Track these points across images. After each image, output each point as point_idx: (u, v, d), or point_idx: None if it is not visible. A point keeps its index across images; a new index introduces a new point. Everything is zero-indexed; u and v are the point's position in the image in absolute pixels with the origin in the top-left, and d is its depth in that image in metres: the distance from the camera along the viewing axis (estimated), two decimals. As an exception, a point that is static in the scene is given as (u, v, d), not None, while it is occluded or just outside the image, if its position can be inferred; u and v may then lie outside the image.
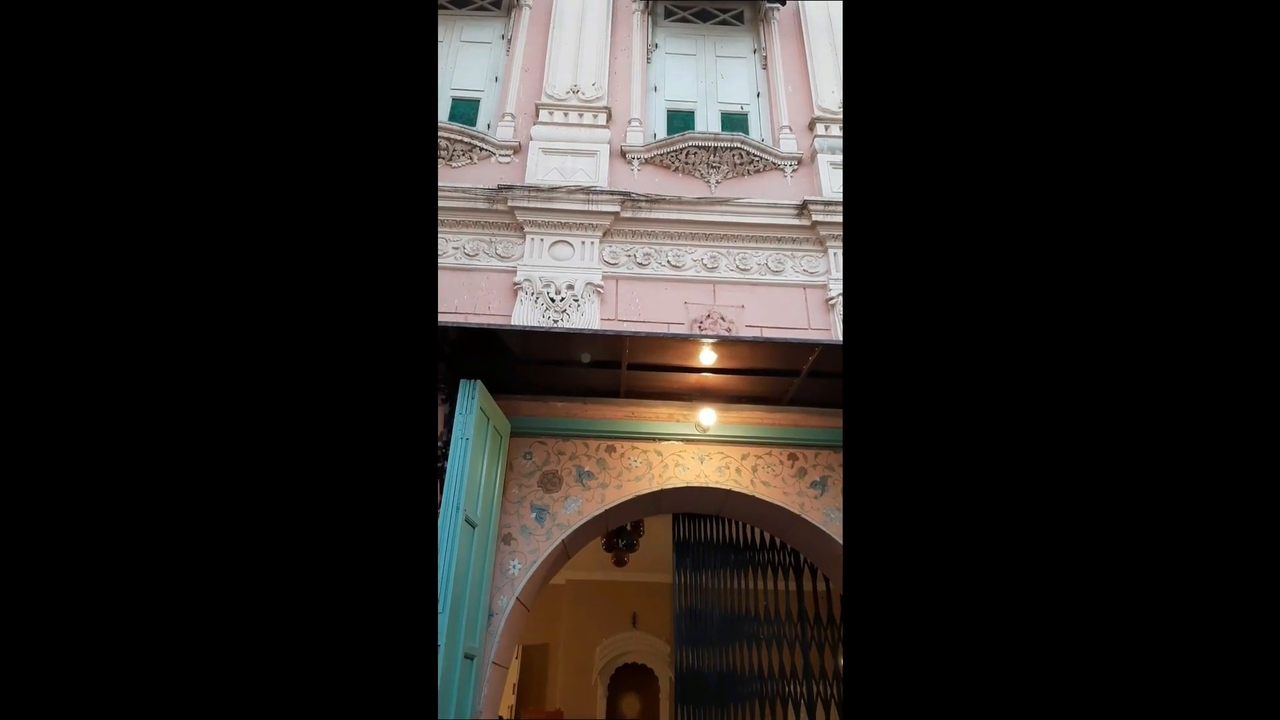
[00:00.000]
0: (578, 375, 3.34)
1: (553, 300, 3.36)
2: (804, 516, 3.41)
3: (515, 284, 3.44)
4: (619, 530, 5.95)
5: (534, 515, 3.35)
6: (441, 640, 2.50)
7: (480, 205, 3.56)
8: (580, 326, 3.20)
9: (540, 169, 3.73)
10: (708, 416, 3.45)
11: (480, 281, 3.50)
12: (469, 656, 2.78)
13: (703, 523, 3.92)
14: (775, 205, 3.63)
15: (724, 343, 3.04)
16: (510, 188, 3.55)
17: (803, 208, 3.59)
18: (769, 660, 3.60)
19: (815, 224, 3.58)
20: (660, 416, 3.55)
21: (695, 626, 3.66)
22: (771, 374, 3.27)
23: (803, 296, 3.53)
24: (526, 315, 3.32)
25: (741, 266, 3.57)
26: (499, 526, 3.24)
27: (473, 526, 2.85)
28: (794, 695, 3.55)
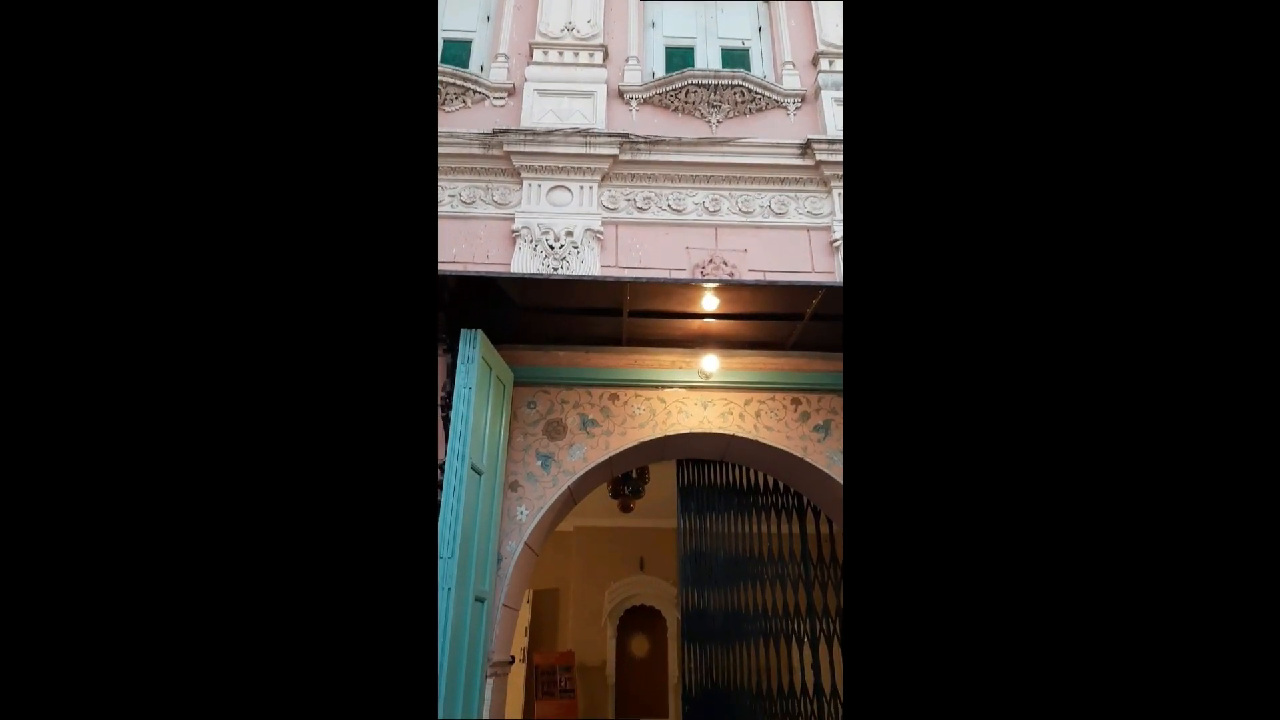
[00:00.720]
0: (579, 324, 3.32)
1: (552, 248, 3.31)
2: (807, 460, 3.43)
3: (513, 231, 3.39)
4: (624, 477, 6.02)
5: (539, 463, 3.38)
6: (452, 584, 2.55)
7: (475, 150, 3.48)
8: (580, 273, 3.16)
9: (536, 111, 3.63)
10: (710, 363, 3.44)
11: (478, 230, 3.45)
12: (479, 599, 2.85)
13: (706, 468, 3.95)
14: (778, 145, 3.53)
15: (726, 287, 3.00)
16: (505, 131, 3.46)
17: (806, 147, 3.49)
18: (772, 599, 3.68)
19: (819, 164, 3.49)
20: (663, 364, 3.54)
21: (700, 568, 3.74)
22: (775, 318, 3.24)
23: (806, 239, 3.48)
24: (526, 263, 3.29)
25: (744, 209, 3.50)
26: (505, 474, 3.28)
27: (479, 474, 2.87)
28: (797, 632, 3.64)
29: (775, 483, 3.94)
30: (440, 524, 2.57)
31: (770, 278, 3.23)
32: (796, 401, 3.53)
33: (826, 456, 3.44)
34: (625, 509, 6.52)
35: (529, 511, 3.29)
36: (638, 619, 8.70)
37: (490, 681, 2.97)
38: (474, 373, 2.81)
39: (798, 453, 3.44)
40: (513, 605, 3.29)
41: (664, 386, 3.51)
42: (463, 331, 2.90)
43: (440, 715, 2.32)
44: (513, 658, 3.41)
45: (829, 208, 3.53)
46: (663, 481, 6.40)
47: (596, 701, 8.26)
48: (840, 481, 3.40)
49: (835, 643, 3.62)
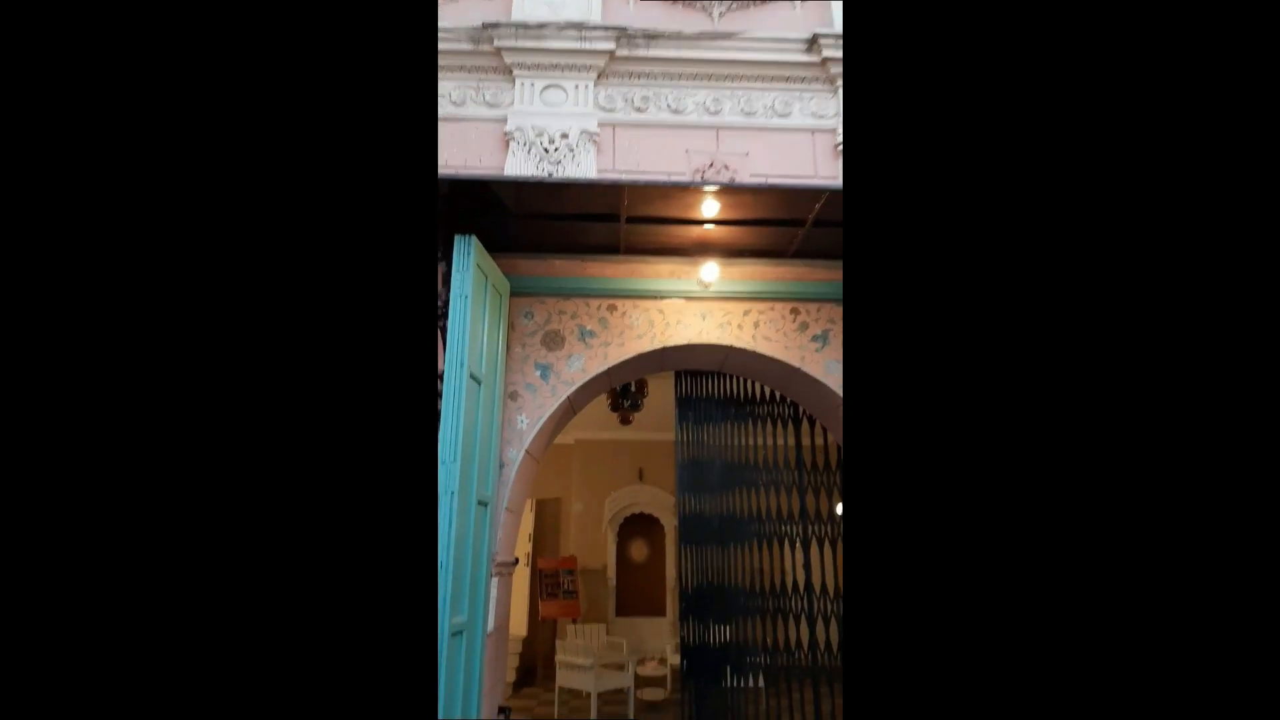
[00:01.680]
0: (575, 231, 3.24)
1: (546, 151, 3.19)
2: (804, 370, 3.45)
3: (506, 134, 3.26)
4: (624, 390, 6.08)
5: (538, 373, 3.39)
6: (455, 488, 2.61)
7: (464, 47, 3.29)
8: (576, 177, 3.05)
9: (527, 4, 3.41)
10: (710, 272, 3.39)
11: (469, 132, 3.31)
12: (482, 503, 2.92)
13: (704, 379, 3.98)
14: (783, 40, 3.34)
15: (727, 191, 2.91)
16: (496, 25, 3.26)
17: (812, 42, 3.30)
18: (767, 504, 3.80)
19: (825, 60, 3.31)
20: (661, 273, 3.49)
21: (697, 476, 3.83)
22: (776, 224, 3.17)
23: (810, 142, 3.34)
24: (519, 167, 3.17)
25: (746, 110, 3.35)
26: (505, 384, 3.29)
27: (478, 383, 2.88)
28: (789, 535, 3.78)
29: (772, 393, 3.97)
30: (441, 430, 2.60)
31: (772, 182, 3.13)
32: (795, 311, 3.50)
33: (823, 366, 3.45)
34: (625, 422, 6.62)
35: (529, 420, 3.33)
36: (637, 526, 9.03)
37: (495, 580, 3.10)
38: (469, 280, 2.76)
39: (795, 363, 3.45)
40: (515, 510, 3.39)
41: (662, 297, 3.47)
42: (456, 237, 2.83)
43: (447, 612, 2.42)
44: (516, 559, 3.54)
45: (834, 108, 3.38)
46: (661, 395, 6.47)
47: (598, 602, 8.69)
48: (835, 390, 3.42)
49: (826, 544, 3.76)
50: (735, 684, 3.53)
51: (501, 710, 3.23)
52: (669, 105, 3.33)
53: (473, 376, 2.81)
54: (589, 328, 3.45)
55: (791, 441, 3.92)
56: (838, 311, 3.49)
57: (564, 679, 6.45)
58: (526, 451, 3.31)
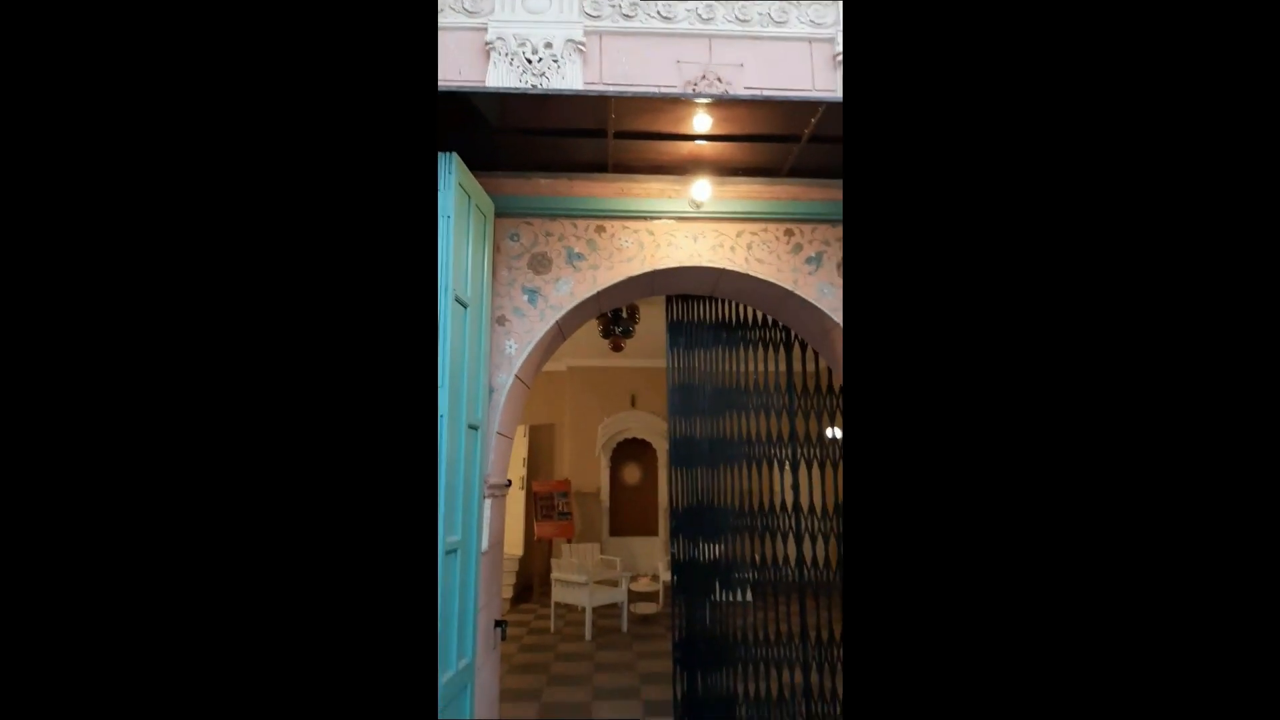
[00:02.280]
0: (561, 147, 3.11)
1: (529, 61, 3.01)
2: (797, 293, 3.40)
3: (487, 44, 3.07)
4: (614, 317, 6.04)
5: (526, 297, 3.33)
6: (445, 411, 2.60)
7: (438, -56, 3.05)
8: (561, 89, 2.90)
9: (505, -105, 3.14)
10: (701, 190, 3.28)
11: (448, 42, 3.12)
12: (473, 427, 2.93)
13: (695, 304, 3.93)
14: (782, -63, 3.11)
15: (720, 104, 2.78)
16: (471, -80, 3.01)
17: (814, -61, 3.08)
18: (757, 428, 3.83)
19: (827, -40, 3.10)
20: (651, 193, 3.38)
21: (688, 400, 3.84)
22: (770, 140, 3.04)
23: (808, 52, 3.17)
24: (501, 79, 3.00)
25: (741, 17, 3.15)
26: (492, 308, 3.24)
27: (464, 307, 2.83)
28: (779, 457, 3.83)
29: (763, 318, 3.94)
30: (428, 354, 2.57)
31: (767, 94, 2.98)
32: (790, 233, 3.42)
33: (816, 289, 3.40)
34: (616, 349, 6.60)
35: (518, 345, 3.29)
36: (630, 450, 9.19)
37: (488, 502, 3.14)
38: (451, 199, 2.66)
39: (788, 285, 3.39)
40: (507, 434, 3.40)
41: (652, 217, 3.38)
42: (438, 155, 2.70)
43: (441, 531, 2.45)
44: (509, 482, 3.59)
45: (833, 15, 3.19)
46: (652, 323, 6.44)
47: (592, 523, 8.94)
48: (828, 313, 3.39)
49: (815, 466, 3.82)
50: (725, 598, 3.66)
51: (498, 624, 3.35)
52: (659, 12, 3.13)
53: (459, 300, 2.75)
54: (577, 250, 3.36)
55: (783, 366, 3.91)
56: (832, 233, 3.42)
57: (559, 595, 6.71)
58: (516, 377, 3.29)
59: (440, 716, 2.36)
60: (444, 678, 2.42)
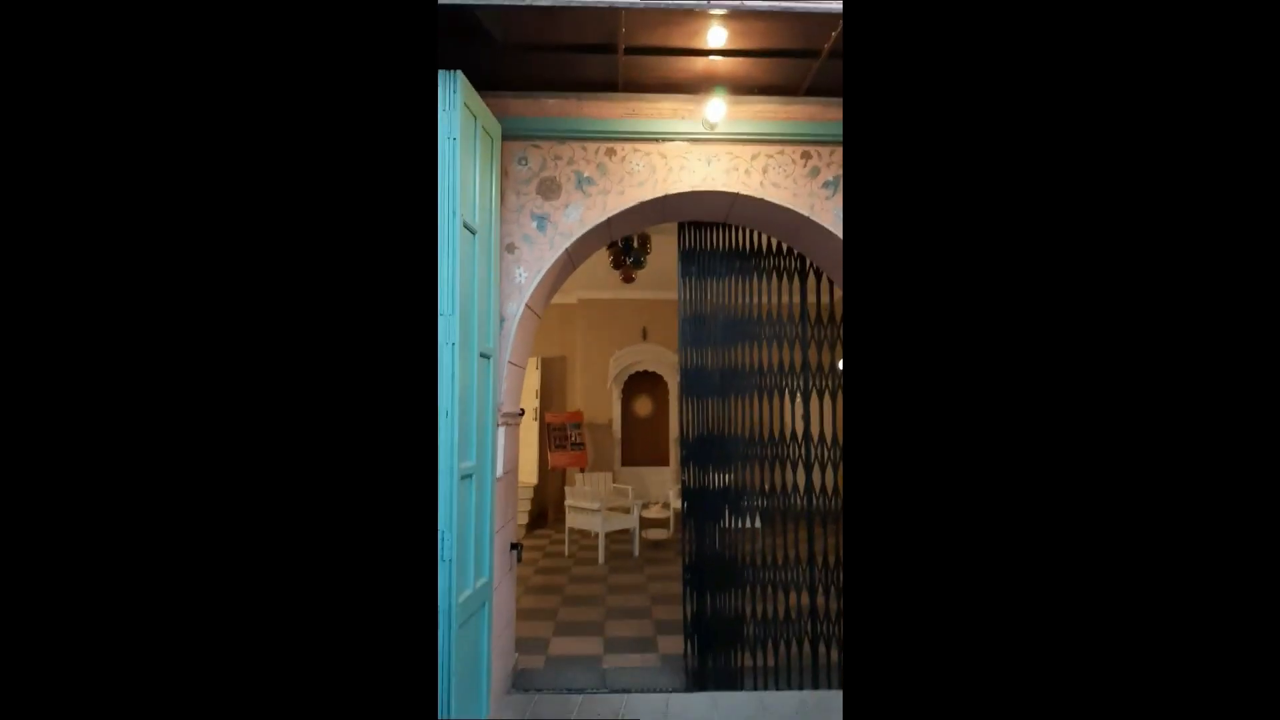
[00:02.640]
0: (570, 65, 2.98)
1: (534, -30, 2.85)
2: (813, 219, 3.31)
3: (489, -50, 2.89)
4: (626, 248, 5.95)
5: (535, 224, 3.26)
6: (455, 339, 2.59)
7: None
8: (568, 2, 2.75)
9: None
10: (715, 110, 3.15)
11: (447, -51, 2.94)
12: (484, 355, 2.93)
13: (708, 231, 3.84)
14: None
15: (736, 16, 2.63)
16: None
17: None
18: (769, 358, 3.81)
19: None
20: (663, 113, 3.25)
21: (699, 330, 3.80)
22: (788, 55, 2.89)
23: (831, -43, 2.97)
24: (505, -10, 2.85)
25: (760, -82, 2.94)
26: (500, 235, 3.18)
27: (472, 233, 2.78)
28: (790, 387, 3.82)
29: (778, 245, 3.85)
30: (438, 281, 2.54)
31: (785, 7, 2.81)
32: (806, 155, 3.30)
33: (833, 214, 3.30)
34: (628, 280, 6.54)
35: (527, 274, 3.26)
36: (641, 383, 9.25)
37: (502, 430, 3.18)
38: (457, 120, 2.57)
39: (804, 211, 3.30)
40: (518, 363, 3.41)
41: (664, 139, 3.26)
42: (440, 73, 2.59)
43: (455, 457, 2.49)
44: (522, 410, 3.62)
45: (862, -85, 2.96)
46: (665, 255, 6.34)
47: (604, 453, 9.10)
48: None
49: (826, 396, 3.82)
50: (734, 524, 3.73)
51: (513, 546, 3.45)
52: (672, -88, 2.92)
53: (466, 226, 2.70)
54: (586, 174, 3.27)
55: (796, 296, 3.85)
56: (851, 155, 3.29)
57: (573, 520, 6.90)
58: (526, 305, 3.26)
59: (459, 632, 2.46)
60: (462, 596, 2.51)
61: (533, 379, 8.36)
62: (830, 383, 3.82)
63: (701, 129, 3.23)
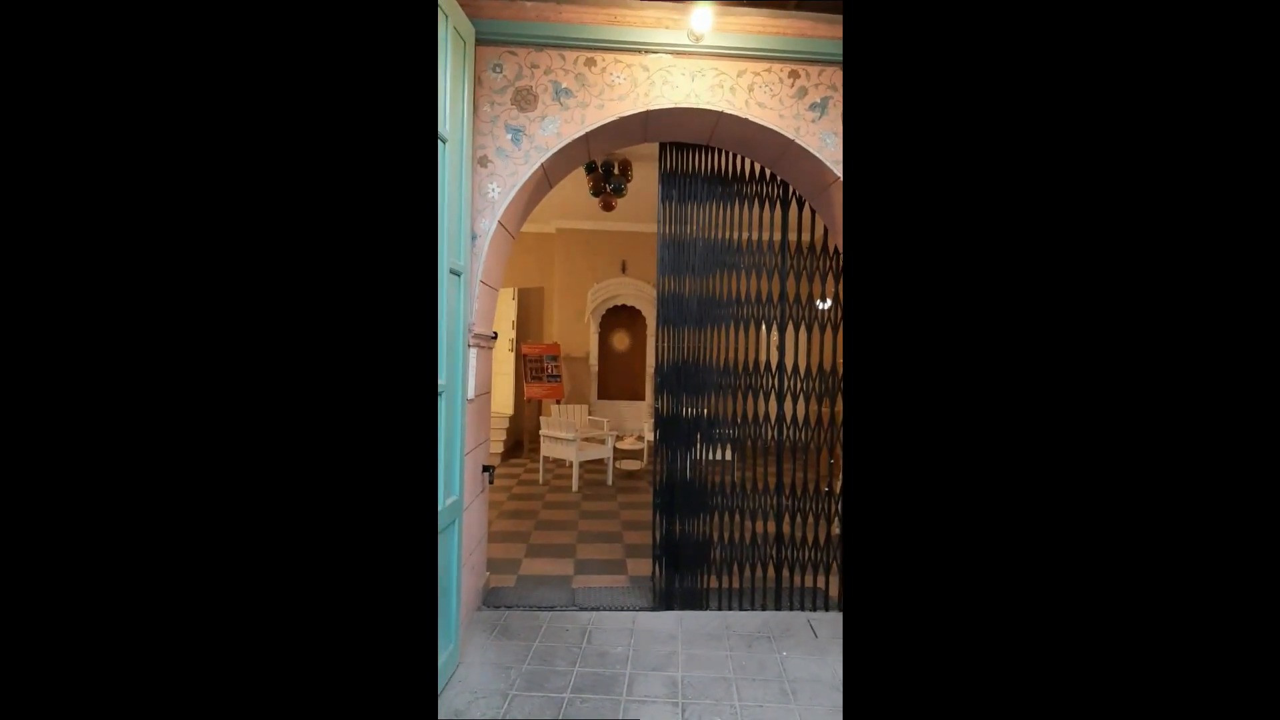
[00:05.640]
0: (548, -39, 2.78)
1: None
2: (798, 141, 3.21)
3: None
4: (606, 173, 5.77)
5: (509, 136, 3.12)
6: (423, 253, 2.50)
7: None
8: (547, -114, 2.54)
9: None
10: (702, 20, 2.99)
11: None
12: (455, 272, 2.84)
13: (691, 153, 3.72)
14: None
15: (726, -89, 2.45)
16: None
17: None
18: (747, 288, 3.76)
19: None
20: (647, 21, 3.08)
21: (678, 257, 3.73)
22: (780, -40, 2.73)
23: None
24: None
25: None
26: (473, 147, 3.04)
27: (443, 142, 2.64)
28: (767, 317, 3.79)
29: (761, 171, 3.75)
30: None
31: (781, -95, 2.64)
32: (795, 74, 3.17)
33: (819, 138, 3.20)
34: (607, 208, 6.37)
35: (501, 189, 3.13)
36: (619, 317, 9.18)
37: (473, 351, 3.12)
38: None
39: (790, 133, 3.19)
40: (491, 284, 3.32)
41: (647, 50, 3.10)
42: (406, -39, 2.40)
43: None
44: (495, 334, 3.56)
45: None
46: (645, 184, 6.17)
47: (580, 386, 9.11)
48: (829, 166, 3.22)
49: (802, 327, 3.80)
50: (705, 454, 3.76)
51: (485, 469, 3.45)
52: None
53: (437, 135, 2.56)
54: (565, 85, 3.11)
55: (778, 226, 3.78)
56: (841, 77, 3.16)
57: (548, 450, 6.94)
58: (499, 222, 3.16)
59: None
60: (430, 510, 2.50)
61: (509, 309, 8.24)
62: (807, 315, 3.79)
63: (686, 41, 3.07)
